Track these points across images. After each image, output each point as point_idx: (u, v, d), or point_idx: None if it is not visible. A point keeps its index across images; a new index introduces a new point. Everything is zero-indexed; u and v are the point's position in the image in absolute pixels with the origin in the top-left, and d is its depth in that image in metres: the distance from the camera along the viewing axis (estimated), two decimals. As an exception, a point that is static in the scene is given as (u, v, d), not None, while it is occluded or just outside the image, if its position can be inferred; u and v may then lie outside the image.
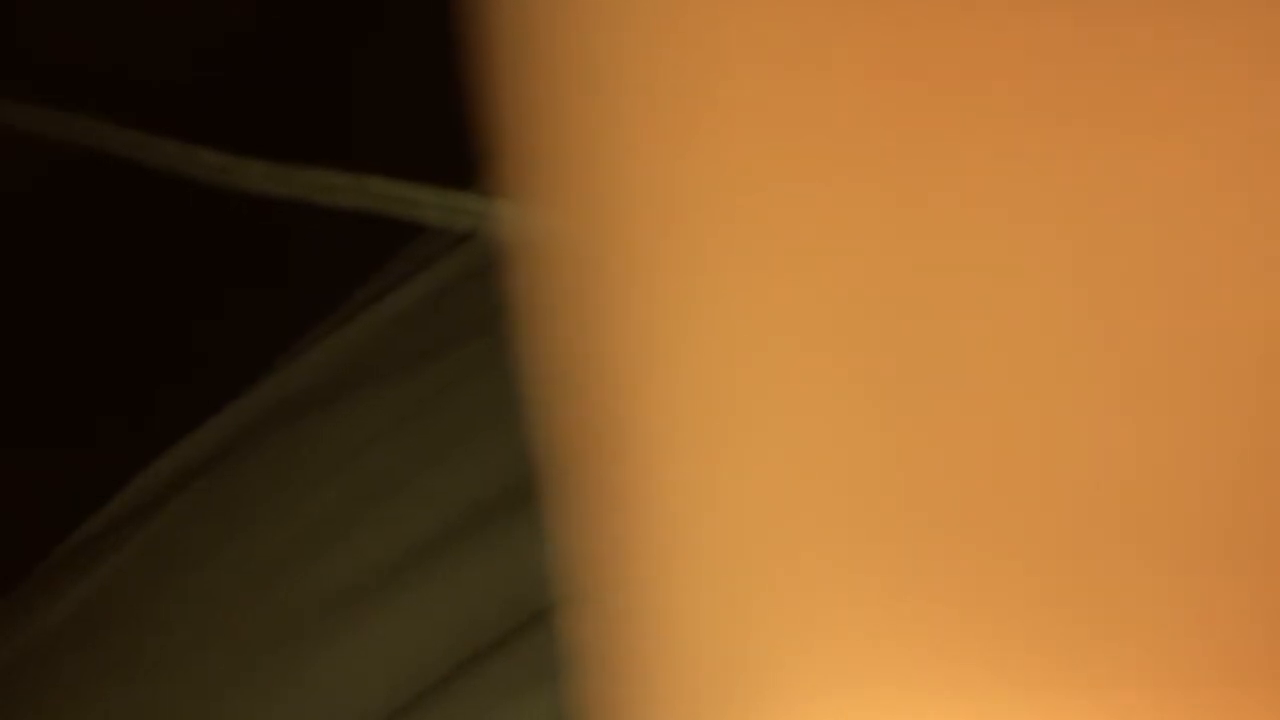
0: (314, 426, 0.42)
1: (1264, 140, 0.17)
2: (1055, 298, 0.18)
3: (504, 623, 0.39)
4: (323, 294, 0.44)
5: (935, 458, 0.18)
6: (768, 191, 0.18)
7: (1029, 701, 0.18)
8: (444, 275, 0.43)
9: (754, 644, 0.19)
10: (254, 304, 0.45)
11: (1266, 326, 0.17)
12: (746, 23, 0.18)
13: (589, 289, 0.20)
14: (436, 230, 0.44)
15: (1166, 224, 0.17)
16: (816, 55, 0.18)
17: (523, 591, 0.39)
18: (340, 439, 0.42)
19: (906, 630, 0.18)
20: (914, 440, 0.18)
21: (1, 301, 0.44)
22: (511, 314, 0.38)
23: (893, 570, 0.18)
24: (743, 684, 0.19)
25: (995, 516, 0.18)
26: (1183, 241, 0.17)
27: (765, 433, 0.19)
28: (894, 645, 0.18)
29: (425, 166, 0.44)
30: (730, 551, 0.19)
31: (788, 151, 0.18)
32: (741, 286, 0.19)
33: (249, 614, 0.40)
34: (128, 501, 0.42)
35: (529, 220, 0.21)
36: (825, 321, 0.18)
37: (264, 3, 0.45)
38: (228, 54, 0.45)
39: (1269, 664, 0.18)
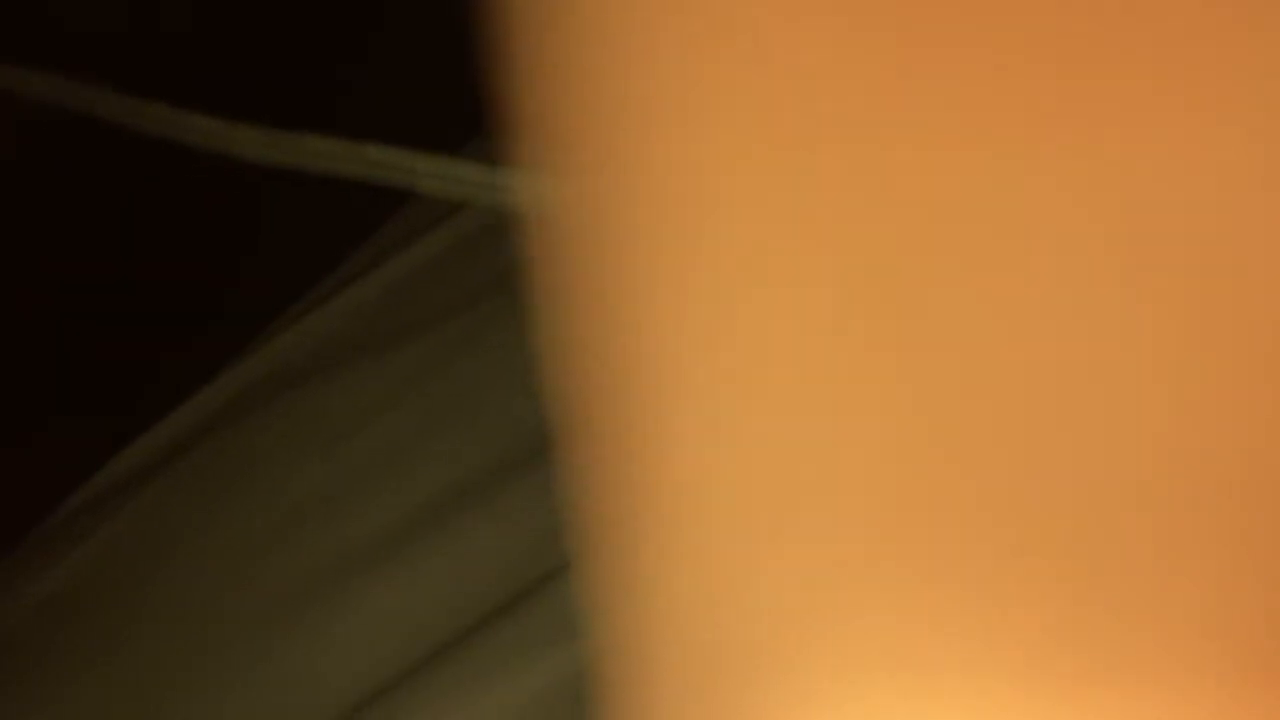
0: (313, 393, 0.42)
1: (1268, 135, 0.17)
2: (1075, 291, 0.17)
3: (510, 586, 0.39)
4: (316, 260, 0.44)
5: (948, 446, 0.18)
6: (782, 168, 0.18)
7: (1041, 693, 0.18)
8: (441, 242, 0.43)
9: (761, 624, 0.19)
10: (246, 270, 0.45)
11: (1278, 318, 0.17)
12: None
13: (601, 258, 0.20)
14: (430, 197, 0.44)
15: (1172, 217, 0.17)
16: (835, 44, 0.18)
17: (528, 556, 0.39)
18: (341, 405, 0.41)
19: (918, 618, 0.18)
20: (927, 428, 0.18)
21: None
22: (519, 280, 0.38)
23: (905, 557, 0.18)
24: (749, 662, 0.19)
25: (1007, 506, 0.18)
26: (1192, 233, 0.17)
27: (777, 414, 0.19)
28: (905, 633, 0.18)
29: (424, 133, 0.43)
30: (739, 526, 0.19)
31: (806, 134, 0.18)
32: (756, 258, 0.18)
33: (251, 580, 0.40)
34: (121, 470, 0.42)
35: (544, 189, 0.21)
36: (840, 300, 0.18)
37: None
38: (221, 18, 0.44)
39: None
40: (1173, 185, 0.17)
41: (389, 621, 0.39)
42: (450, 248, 0.43)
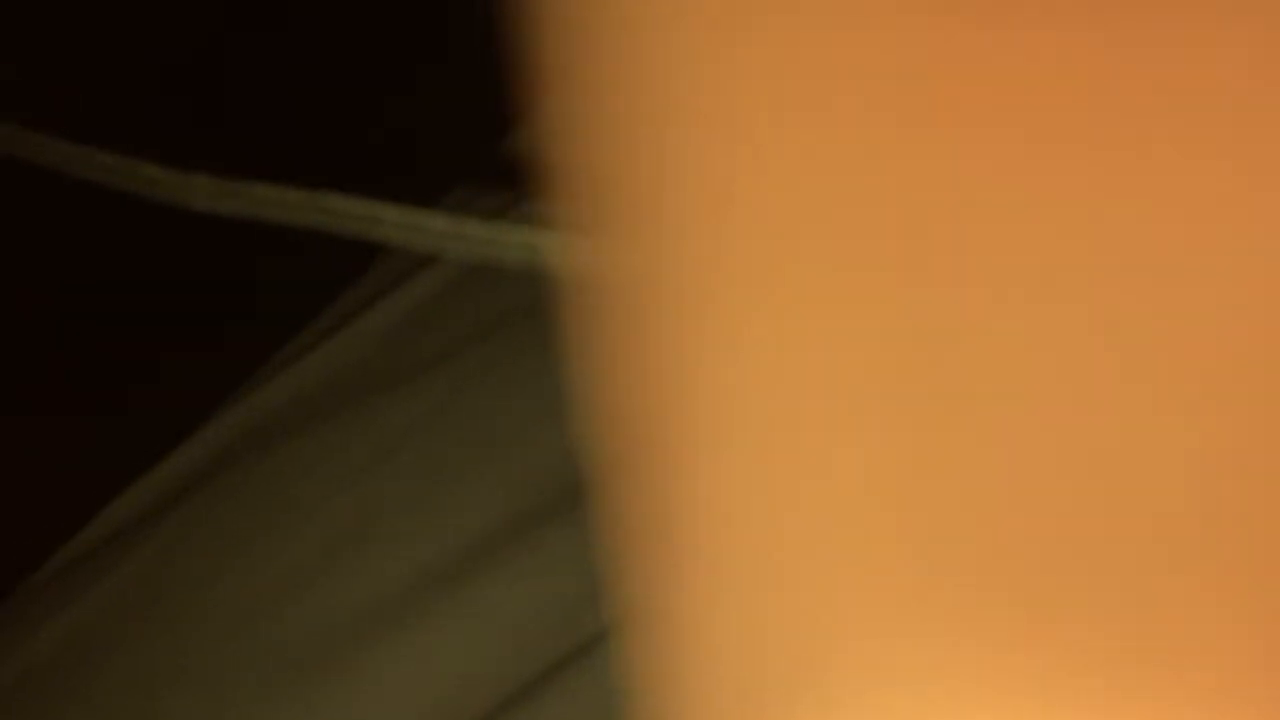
0: (309, 442, 0.41)
1: (1267, 149, 0.17)
2: (1086, 307, 0.18)
3: (550, 652, 0.37)
4: (300, 307, 0.43)
5: (971, 466, 0.18)
6: (807, 208, 0.18)
7: (1065, 711, 0.18)
8: (431, 286, 0.43)
9: (793, 649, 0.19)
10: (229, 320, 0.44)
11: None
12: (797, 49, 0.18)
13: (629, 305, 0.20)
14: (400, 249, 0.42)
15: (1185, 236, 0.17)
16: (856, 81, 0.18)
17: (566, 617, 0.37)
18: (340, 455, 0.40)
19: (944, 636, 0.18)
20: (951, 448, 0.18)
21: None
22: (518, 324, 0.36)
23: (930, 576, 0.18)
24: (782, 688, 0.19)
25: (1034, 525, 0.18)
26: (1202, 249, 0.17)
27: (804, 441, 0.19)
28: (933, 650, 0.18)
29: (388, 184, 0.42)
30: (771, 557, 0.19)
31: (833, 173, 0.18)
32: (780, 297, 0.19)
33: (249, 641, 0.38)
34: (113, 518, 0.41)
35: (574, 245, 0.21)
36: (861, 330, 0.18)
37: (219, 11, 0.43)
38: (177, 65, 0.43)
39: None
40: (1192, 203, 0.17)
41: (402, 695, 0.37)
42: (432, 297, 0.43)
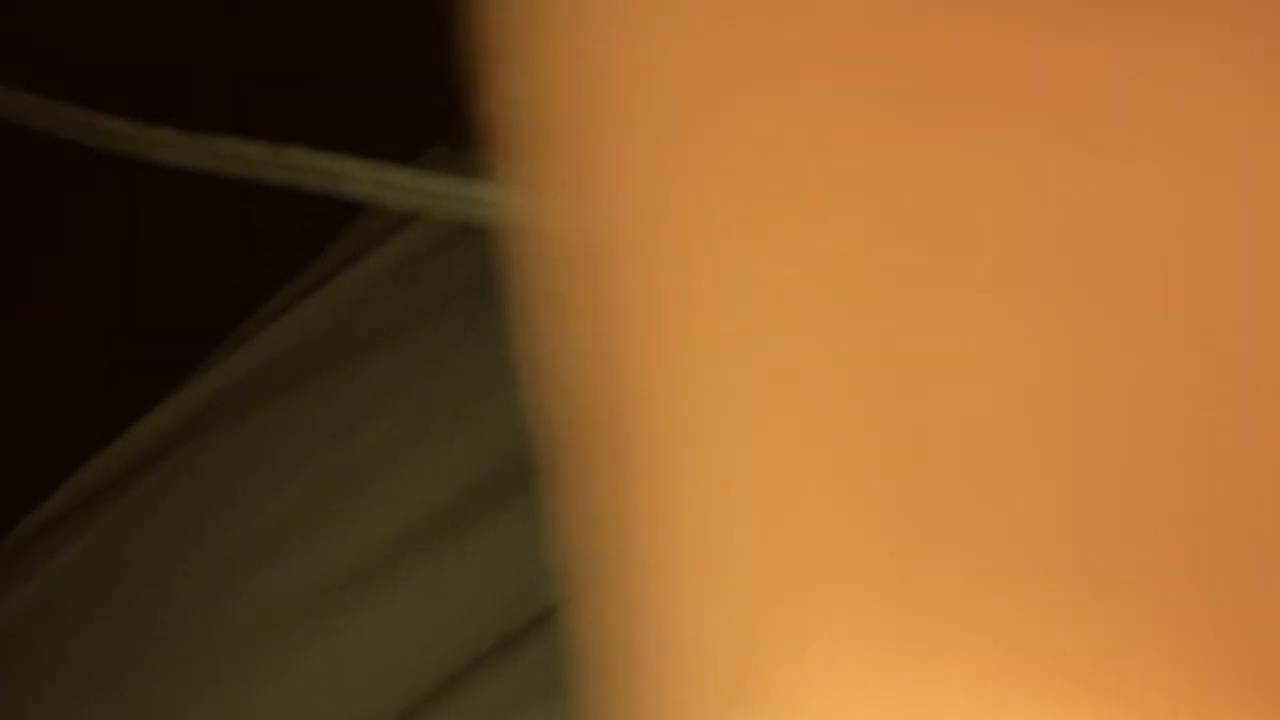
0: (275, 410, 0.40)
1: (1267, 150, 0.17)
2: (1064, 302, 0.17)
3: (501, 627, 0.37)
4: (270, 272, 0.42)
5: (940, 460, 0.18)
6: (770, 181, 0.18)
7: (1032, 709, 0.18)
8: (398, 252, 0.42)
9: (754, 644, 0.19)
10: (199, 283, 0.43)
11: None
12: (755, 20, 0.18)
13: (586, 274, 0.20)
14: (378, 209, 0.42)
15: (1171, 231, 0.17)
16: (825, 49, 0.18)
17: (518, 592, 0.37)
18: (303, 424, 0.40)
19: (911, 634, 0.18)
20: (919, 441, 0.18)
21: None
22: (485, 291, 0.36)
23: (898, 572, 0.18)
24: (742, 684, 0.19)
25: (1001, 521, 0.18)
26: (1188, 247, 0.17)
27: (766, 430, 0.18)
28: (898, 649, 0.18)
29: (357, 139, 0.41)
30: (730, 547, 0.19)
31: (795, 146, 0.18)
32: (743, 277, 0.18)
33: (216, 611, 0.38)
34: (79, 488, 0.40)
35: (523, 200, 0.20)
36: (828, 316, 0.18)
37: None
38: (141, 17, 0.42)
39: None
40: (1193, 195, 0.17)
41: (362, 665, 0.37)
42: (408, 258, 0.42)
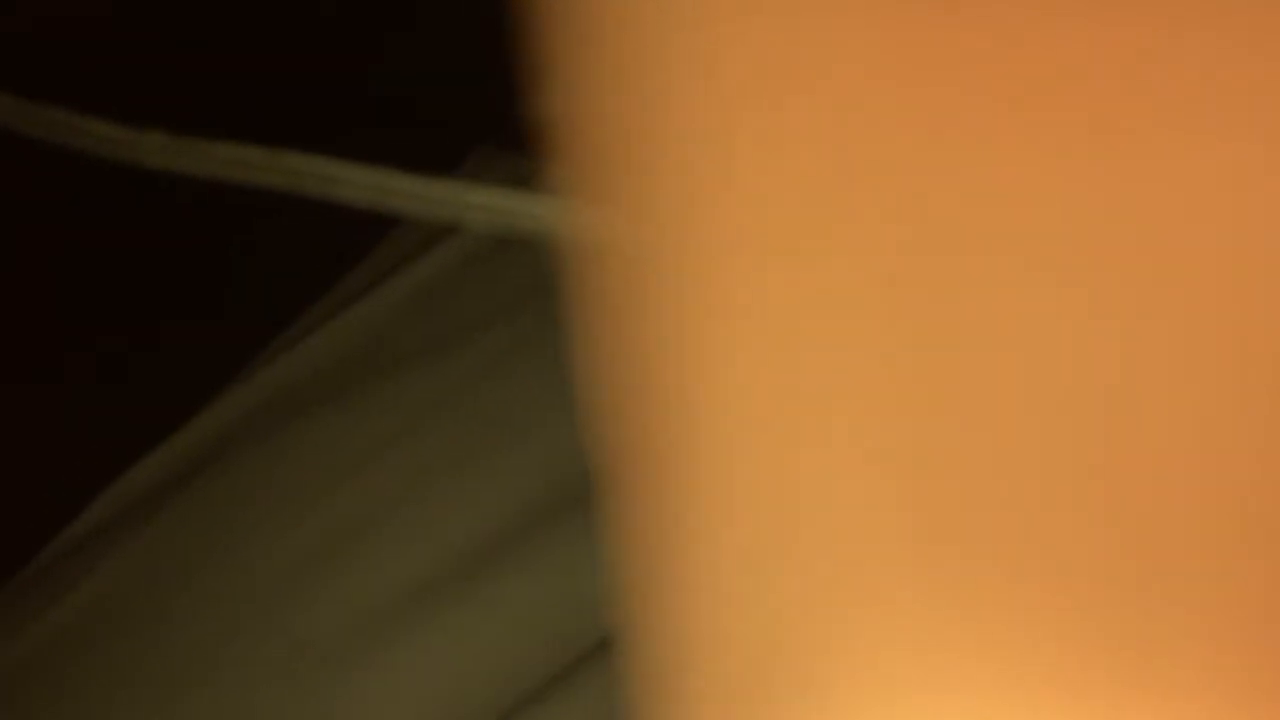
0: (316, 424, 0.39)
1: (1273, 142, 0.17)
2: (1097, 301, 0.18)
3: (553, 656, 0.36)
4: (305, 284, 0.42)
5: (979, 464, 0.18)
6: (814, 197, 0.18)
7: (1070, 708, 0.18)
8: (438, 266, 0.41)
9: (796, 649, 0.19)
10: (231, 295, 0.42)
11: None
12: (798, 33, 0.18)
13: (635, 289, 0.20)
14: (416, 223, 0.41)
15: (1176, 222, 0.17)
16: (853, 62, 0.18)
17: (571, 619, 0.36)
18: (348, 439, 0.39)
19: (946, 632, 0.18)
20: (958, 444, 0.18)
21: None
22: (534, 305, 0.35)
23: (934, 571, 0.18)
24: (785, 687, 0.19)
25: (1035, 521, 0.18)
26: (1193, 239, 0.17)
27: (809, 432, 0.19)
28: (939, 650, 0.18)
29: (354, 143, 0.41)
30: (777, 550, 0.19)
31: (837, 158, 0.18)
32: (785, 289, 0.19)
33: (253, 637, 0.37)
34: (114, 502, 0.39)
35: (582, 215, 0.21)
36: (871, 325, 0.18)
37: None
38: (134, 18, 0.41)
39: None
40: (1228, 193, 0.17)
41: (411, 694, 0.36)
42: (446, 272, 0.41)
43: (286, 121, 0.42)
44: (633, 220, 0.20)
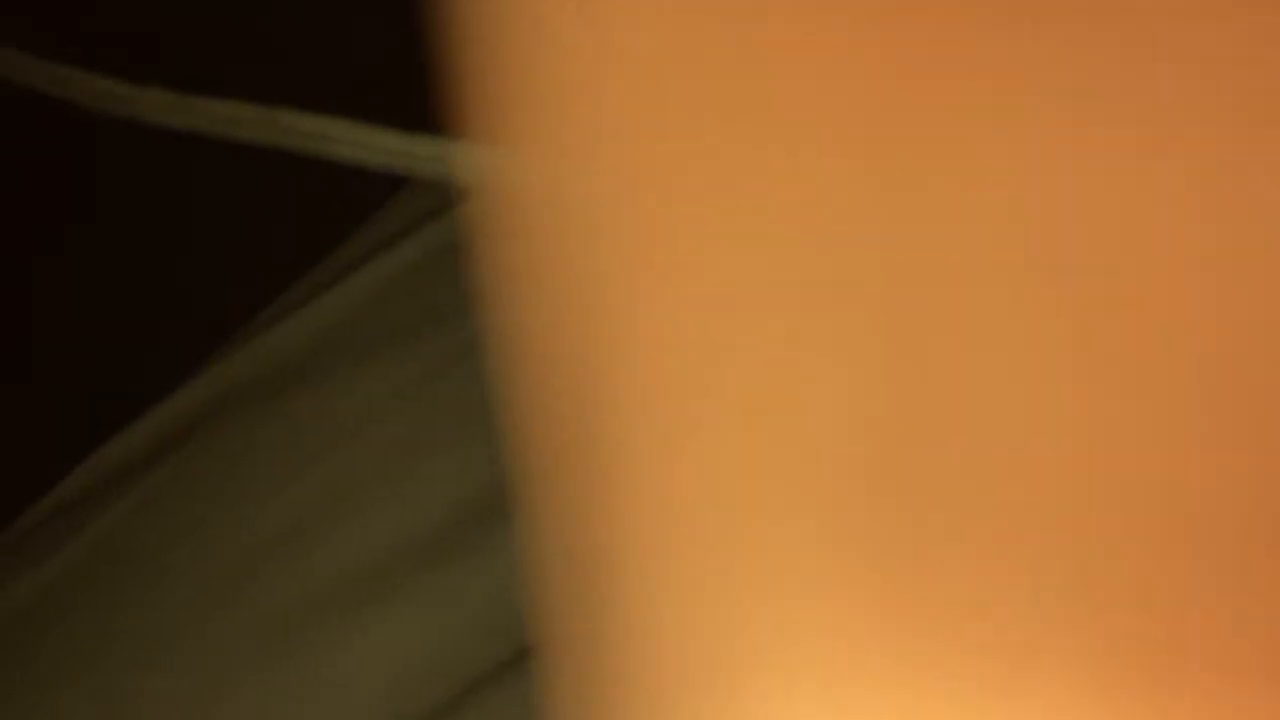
0: (294, 402, 0.39)
1: (1264, 141, 0.17)
2: (1051, 295, 0.17)
3: (494, 653, 0.36)
4: (298, 252, 0.42)
5: (918, 455, 0.18)
6: (751, 177, 0.18)
7: (1013, 702, 0.18)
8: (428, 245, 0.41)
9: (731, 648, 0.19)
10: (226, 260, 0.43)
11: (1266, 324, 0.17)
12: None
13: (560, 252, 0.19)
14: (416, 194, 0.41)
15: (1163, 219, 0.17)
16: (811, 40, 0.17)
17: (517, 615, 0.36)
18: (322, 419, 0.39)
19: (887, 631, 0.18)
20: (897, 437, 0.18)
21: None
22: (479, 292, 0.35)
23: (876, 570, 0.18)
24: (720, 688, 0.19)
25: (979, 512, 0.18)
26: (1181, 237, 0.17)
27: (744, 429, 0.18)
28: (876, 646, 0.18)
29: (345, 102, 0.41)
30: (708, 552, 0.19)
31: (774, 133, 0.18)
32: (719, 279, 0.18)
33: (216, 610, 0.37)
34: (90, 475, 0.39)
35: (491, 162, 0.20)
36: (808, 313, 0.18)
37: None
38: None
39: (1272, 663, 0.17)
40: (1155, 191, 0.17)
41: (367, 676, 0.37)
42: (436, 251, 0.41)
43: (282, 80, 0.42)
44: (555, 178, 0.19)
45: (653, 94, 0.18)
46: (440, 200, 0.41)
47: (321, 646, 0.37)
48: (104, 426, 0.40)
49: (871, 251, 0.18)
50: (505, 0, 0.19)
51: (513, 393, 0.20)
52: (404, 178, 0.41)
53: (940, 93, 0.17)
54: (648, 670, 0.19)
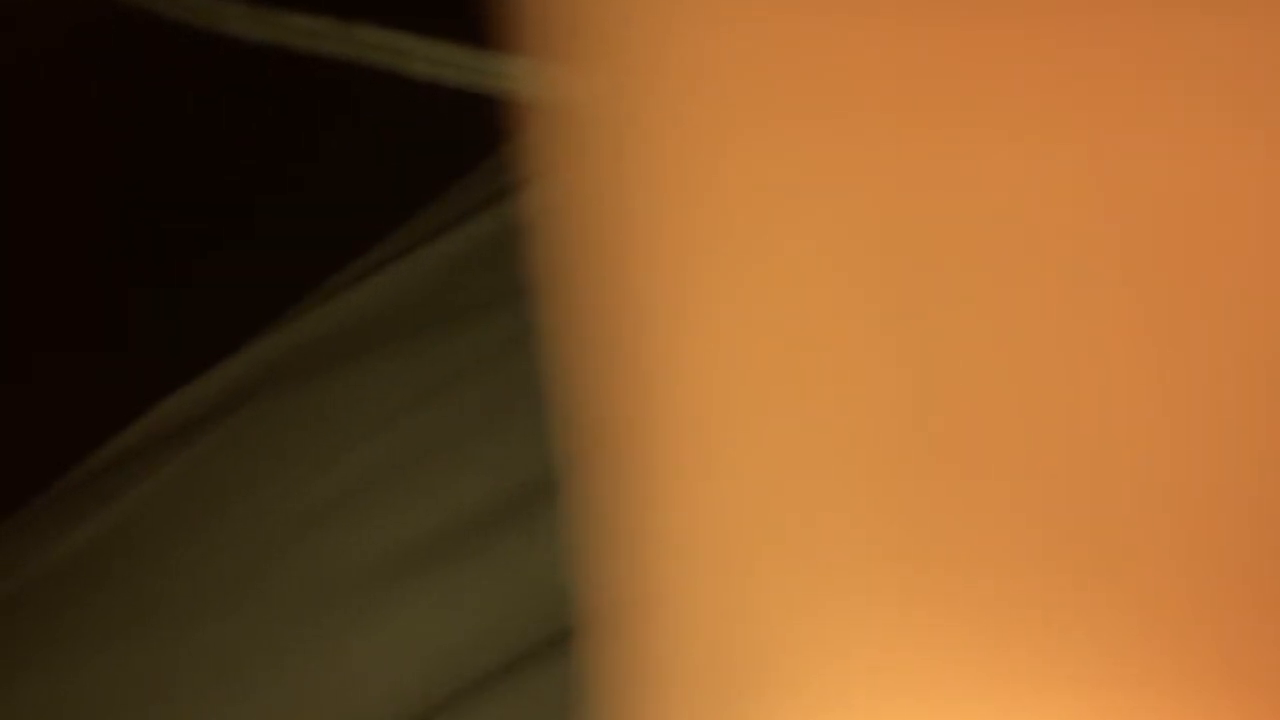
0: (346, 377, 0.39)
1: (1273, 140, 0.17)
2: (1079, 299, 0.17)
3: (538, 632, 0.36)
4: (375, 216, 0.41)
5: (955, 459, 0.18)
6: (796, 182, 0.18)
7: (1042, 704, 0.18)
8: (500, 223, 0.41)
9: (767, 646, 0.19)
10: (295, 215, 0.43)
11: (1266, 324, 0.17)
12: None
13: (610, 262, 0.19)
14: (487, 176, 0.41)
15: (1175, 213, 0.17)
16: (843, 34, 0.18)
17: (561, 596, 0.36)
18: (376, 395, 0.39)
19: (923, 634, 0.18)
20: (936, 440, 0.18)
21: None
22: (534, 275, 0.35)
23: (913, 571, 0.18)
24: (752, 684, 0.19)
25: (1013, 520, 0.18)
26: (1194, 229, 0.17)
27: (791, 418, 0.18)
28: (912, 649, 0.18)
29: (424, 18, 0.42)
30: (751, 539, 0.19)
31: (846, 114, 0.18)
32: (763, 278, 0.18)
33: (263, 582, 0.37)
34: (133, 441, 0.39)
35: (557, 84, 0.20)
36: (851, 315, 0.18)
37: None
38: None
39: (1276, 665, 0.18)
40: (1166, 187, 0.17)
41: (411, 649, 0.36)
42: (508, 229, 0.40)
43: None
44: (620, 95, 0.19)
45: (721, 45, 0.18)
46: (508, 183, 0.41)
47: (367, 617, 0.37)
48: (167, 379, 0.40)
49: (926, 251, 0.18)
50: None
51: (565, 378, 0.20)
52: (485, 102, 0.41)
53: (962, 96, 0.17)
54: (688, 653, 0.19)
